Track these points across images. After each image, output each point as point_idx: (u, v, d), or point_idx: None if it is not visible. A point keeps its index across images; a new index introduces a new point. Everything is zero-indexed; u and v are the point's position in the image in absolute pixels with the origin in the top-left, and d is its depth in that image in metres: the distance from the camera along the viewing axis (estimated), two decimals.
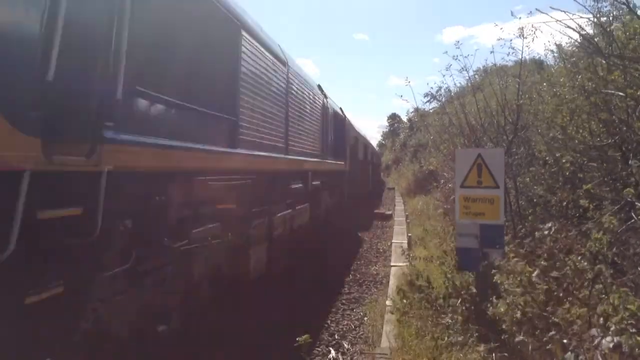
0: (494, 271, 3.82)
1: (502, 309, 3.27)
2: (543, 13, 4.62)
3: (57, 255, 2.69)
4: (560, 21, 4.54)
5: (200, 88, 4.39)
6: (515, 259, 3.43)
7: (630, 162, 4.43)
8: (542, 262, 3.47)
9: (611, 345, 1.94)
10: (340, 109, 15.99)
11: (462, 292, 4.13)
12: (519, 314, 3.04)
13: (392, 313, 5.24)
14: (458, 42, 7.42)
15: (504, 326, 3.35)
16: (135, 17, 3.11)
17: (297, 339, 3.36)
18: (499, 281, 3.55)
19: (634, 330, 2.09)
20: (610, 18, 5.59)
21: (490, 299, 3.61)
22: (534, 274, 3.09)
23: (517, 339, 2.68)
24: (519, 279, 3.16)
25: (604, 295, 2.45)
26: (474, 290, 4.01)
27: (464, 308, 3.97)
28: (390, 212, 19.38)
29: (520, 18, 6.18)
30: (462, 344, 3.55)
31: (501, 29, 6.80)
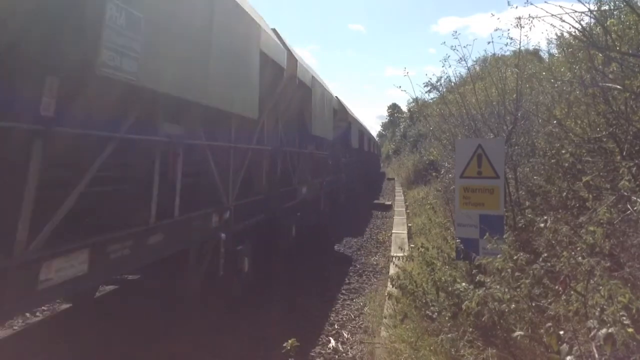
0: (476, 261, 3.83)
1: (474, 304, 3.30)
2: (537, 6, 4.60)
3: None
4: (555, 15, 4.53)
5: None
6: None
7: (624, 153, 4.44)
8: (542, 255, 3.49)
9: (603, 336, 1.96)
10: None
11: (448, 288, 4.12)
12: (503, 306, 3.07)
13: (385, 318, 5.27)
14: (456, 32, 7.33)
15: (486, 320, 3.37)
16: None
17: (284, 345, 3.38)
18: (482, 278, 3.57)
19: (627, 321, 2.12)
20: (611, 7, 5.56)
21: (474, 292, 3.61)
22: (533, 267, 3.11)
23: (515, 334, 2.70)
24: (502, 274, 3.17)
25: (601, 287, 2.47)
26: (463, 284, 4.01)
27: (451, 303, 3.97)
28: (390, 203, 19.43)
29: (516, 7, 6.12)
30: (452, 340, 3.57)
31: (498, 18, 6.74)
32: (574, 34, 5.25)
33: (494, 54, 8.47)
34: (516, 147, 6.81)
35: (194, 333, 5.11)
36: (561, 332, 2.31)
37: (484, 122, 7.41)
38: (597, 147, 5.14)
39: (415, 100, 11.20)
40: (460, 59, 7.63)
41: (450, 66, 11.08)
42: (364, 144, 25.52)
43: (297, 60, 8.30)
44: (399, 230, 12.02)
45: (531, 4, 5.57)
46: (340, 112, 15.26)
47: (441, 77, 9.77)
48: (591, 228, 3.10)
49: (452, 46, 7.35)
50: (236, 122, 6.11)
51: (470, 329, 3.70)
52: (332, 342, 5.41)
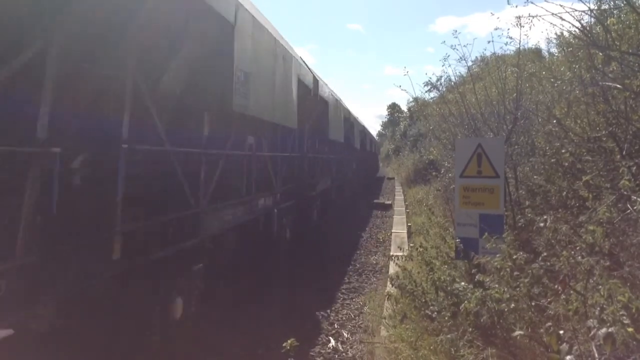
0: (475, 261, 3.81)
1: (472, 304, 3.30)
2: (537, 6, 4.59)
3: None
4: (555, 14, 4.52)
5: None
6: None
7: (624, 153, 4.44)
8: (541, 254, 3.49)
9: (603, 336, 1.96)
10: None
11: (448, 287, 4.11)
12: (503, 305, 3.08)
13: (384, 318, 5.26)
14: (456, 31, 7.32)
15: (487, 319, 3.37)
16: None
17: (283, 344, 3.38)
18: (481, 278, 3.57)
19: (627, 321, 2.12)
20: (610, 6, 5.55)
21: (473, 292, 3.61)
22: (533, 266, 3.11)
23: (514, 333, 2.70)
24: (500, 273, 3.17)
25: (600, 287, 2.47)
26: (462, 284, 4.00)
27: (450, 303, 3.97)
28: (390, 202, 19.43)
29: (516, 7, 6.09)
30: (452, 340, 3.57)
31: (498, 18, 6.74)
32: (574, 33, 5.25)
33: (494, 53, 8.46)
34: (516, 147, 6.80)
35: (194, 331, 5.10)
36: (561, 332, 2.30)
37: (484, 122, 7.40)
38: (597, 146, 5.13)
39: (415, 99, 11.19)
40: (461, 58, 7.61)
41: (450, 65, 11.03)
42: (353, 138, 18.68)
43: (318, 81, 9.98)
44: (399, 229, 12.02)
45: (531, 2, 5.54)
46: (304, 86, 9.05)
47: (441, 77, 9.77)
48: (591, 227, 3.09)
49: (452, 45, 7.34)
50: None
51: (470, 329, 3.69)
52: (332, 342, 5.41)
